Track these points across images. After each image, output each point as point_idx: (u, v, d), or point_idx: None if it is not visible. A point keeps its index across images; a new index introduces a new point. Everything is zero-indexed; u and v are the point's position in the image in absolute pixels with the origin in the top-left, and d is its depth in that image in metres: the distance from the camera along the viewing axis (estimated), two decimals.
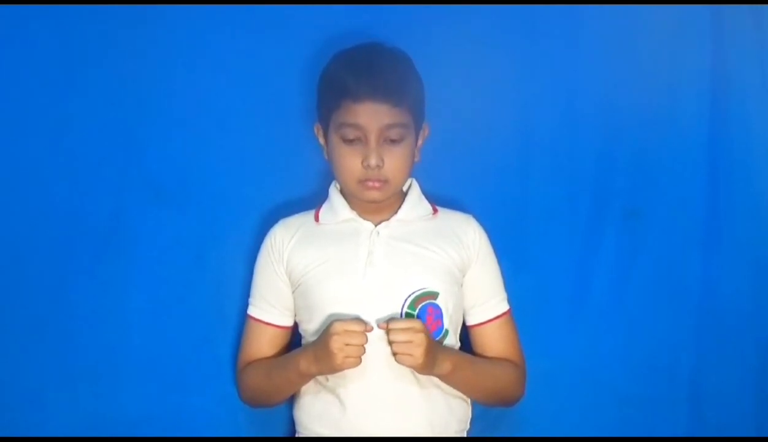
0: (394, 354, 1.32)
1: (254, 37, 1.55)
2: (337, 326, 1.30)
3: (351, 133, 1.36)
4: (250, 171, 1.55)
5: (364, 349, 1.31)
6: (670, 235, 1.60)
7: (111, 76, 1.52)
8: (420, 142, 1.44)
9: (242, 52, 1.55)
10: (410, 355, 1.30)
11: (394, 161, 1.38)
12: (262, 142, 1.55)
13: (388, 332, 1.32)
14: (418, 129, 1.42)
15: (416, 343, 1.30)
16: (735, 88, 1.61)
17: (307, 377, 1.38)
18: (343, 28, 1.53)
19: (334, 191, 1.47)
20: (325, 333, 1.32)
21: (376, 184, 1.39)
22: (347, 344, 1.29)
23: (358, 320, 1.34)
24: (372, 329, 1.33)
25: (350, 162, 1.38)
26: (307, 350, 1.38)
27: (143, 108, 1.53)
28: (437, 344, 1.37)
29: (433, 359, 1.33)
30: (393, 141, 1.37)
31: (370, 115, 1.34)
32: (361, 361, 1.31)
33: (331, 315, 1.38)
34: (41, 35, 1.49)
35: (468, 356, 1.45)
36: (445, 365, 1.36)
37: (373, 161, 1.36)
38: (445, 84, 1.52)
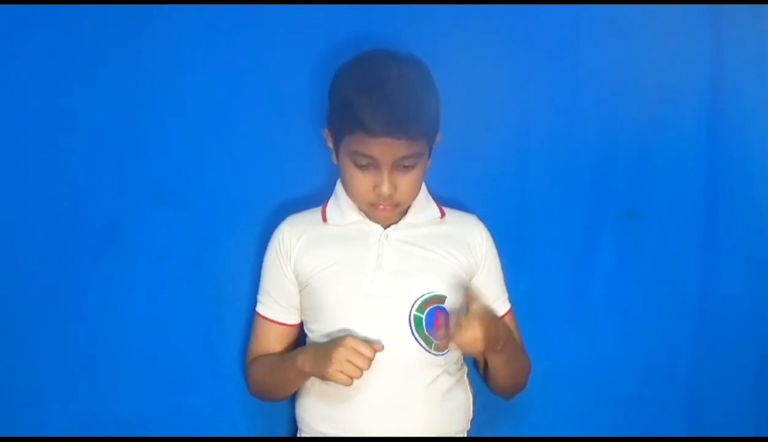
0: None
1: (257, 35, 1.53)
2: (349, 341, 1.30)
3: (363, 160, 1.34)
4: (250, 171, 1.54)
5: (362, 374, 1.30)
6: (669, 236, 1.61)
7: (111, 76, 1.50)
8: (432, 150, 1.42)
9: (245, 50, 1.53)
10: (475, 350, 1.32)
11: (406, 186, 1.37)
12: (262, 142, 1.54)
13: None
14: (431, 145, 1.40)
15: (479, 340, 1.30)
16: (734, 88, 1.61)
17: (301, 374, 1.38)
18: (348, 27, 1.52)
19: (341, 191, 1.45)
20: (335, 342, 1.32)
21: (388, 208, 1.38)
22: (348, 361, 1.29)
23: (370, 344, 1.31)
24: (382, 348, 1.33)
25: (362, 186, 1.36)
26: (308, 349, 1.39)
27: (143, 108, 1.52)
28: (496, 327, 1.35)
29: (493, 344, 1.34)
30: (406, 167, 1.35)
31: (385, 150, 1.31)
32: (352, 383, 1.30)
33: (338, 317, 1.38)
34: (41, 35, 1.48)
35: (511, 336, 1.44)
36: (498, 346, 1.36)
37: (385, 190, 1.35)
38: (445, 85, 1.50)
